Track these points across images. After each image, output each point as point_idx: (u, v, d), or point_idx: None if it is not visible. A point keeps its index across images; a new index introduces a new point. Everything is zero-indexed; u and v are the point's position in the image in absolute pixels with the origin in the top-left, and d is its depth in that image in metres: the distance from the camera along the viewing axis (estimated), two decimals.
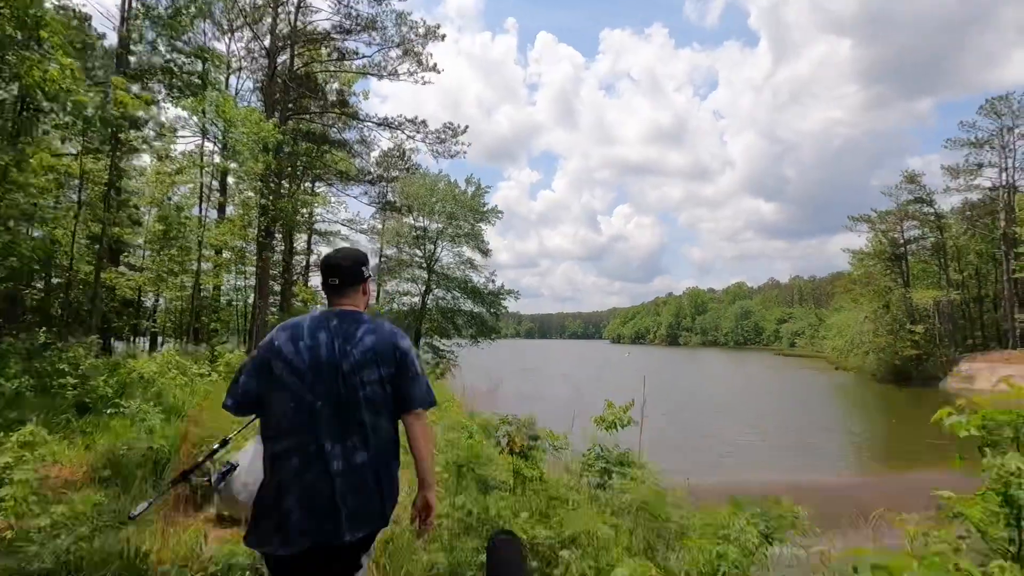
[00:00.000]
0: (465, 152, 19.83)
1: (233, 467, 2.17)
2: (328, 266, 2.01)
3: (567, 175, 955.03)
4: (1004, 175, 37.55)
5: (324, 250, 29.92)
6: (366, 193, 24.59)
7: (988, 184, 38.62)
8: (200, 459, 2.23)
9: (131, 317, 21.37)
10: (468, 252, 29.25)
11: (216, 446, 2.20)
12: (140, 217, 22.72)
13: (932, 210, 38.07)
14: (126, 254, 22.48)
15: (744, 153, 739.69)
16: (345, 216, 32.85)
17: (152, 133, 16.60)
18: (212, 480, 2.18)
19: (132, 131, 13.16)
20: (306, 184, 26.06)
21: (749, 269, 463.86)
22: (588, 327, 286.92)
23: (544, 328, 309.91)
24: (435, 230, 28.62)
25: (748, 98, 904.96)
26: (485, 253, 28.93)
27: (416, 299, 28.69)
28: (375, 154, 27.85)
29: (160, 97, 13.56)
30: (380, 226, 30.45)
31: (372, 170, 25.56)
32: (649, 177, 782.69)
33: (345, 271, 1.99)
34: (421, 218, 28.69)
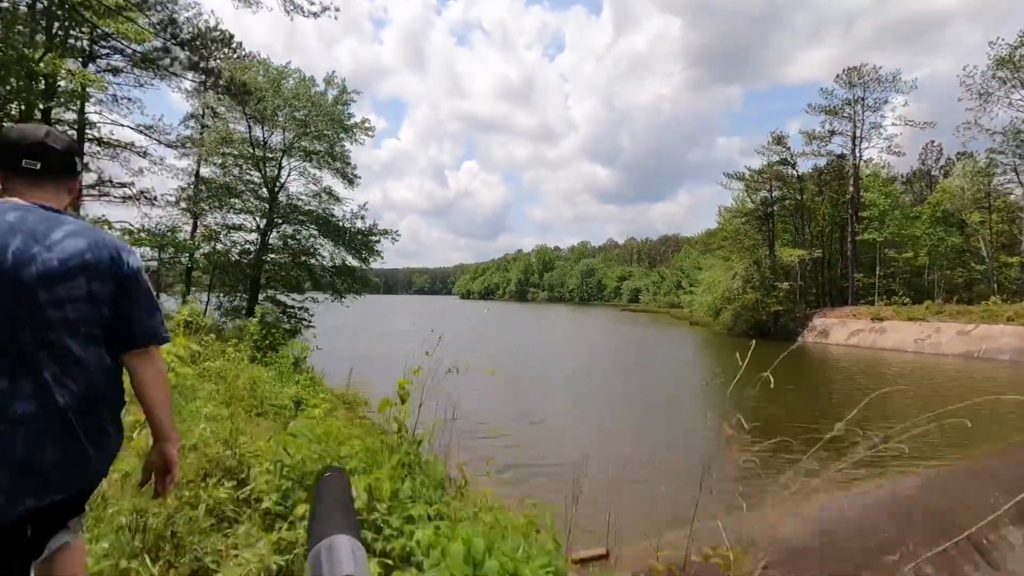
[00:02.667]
0: (337, 10, 13.12)
1: None
2: (23, 142, 1.33)
3: (415, 124, 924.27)
4: (853, 143, 40.30)
5: (109, 166, 20.64)
6: (171, 71, 16.20)
7: (839, 151, 41.39)
8: None
9: None
10: (328, 178, 22.08)
11: None
12: None
13: (795, 172, 39.62)
14: None
15: (586, 119, 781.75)
16: (141, 120, 23.39)
17: None
18: None
19: None
20: (73, 65, 16.71)
21: (585, 230, 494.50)
22: (435, 283, 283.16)
23: (390, 283, 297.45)
24: (280, 143, 20.94)
25: (591, 65, 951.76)
26: (351, 181, 22.00)
27: (252, 236, 20.93)
28: (186, 24, 19.12)
29: None
30: (199, 135, 21.63)
31: (181, 40, 17.05)
32: (497, 135, 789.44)
33: (54, 154, 1.35)
34: (259, 127, 20.71)
